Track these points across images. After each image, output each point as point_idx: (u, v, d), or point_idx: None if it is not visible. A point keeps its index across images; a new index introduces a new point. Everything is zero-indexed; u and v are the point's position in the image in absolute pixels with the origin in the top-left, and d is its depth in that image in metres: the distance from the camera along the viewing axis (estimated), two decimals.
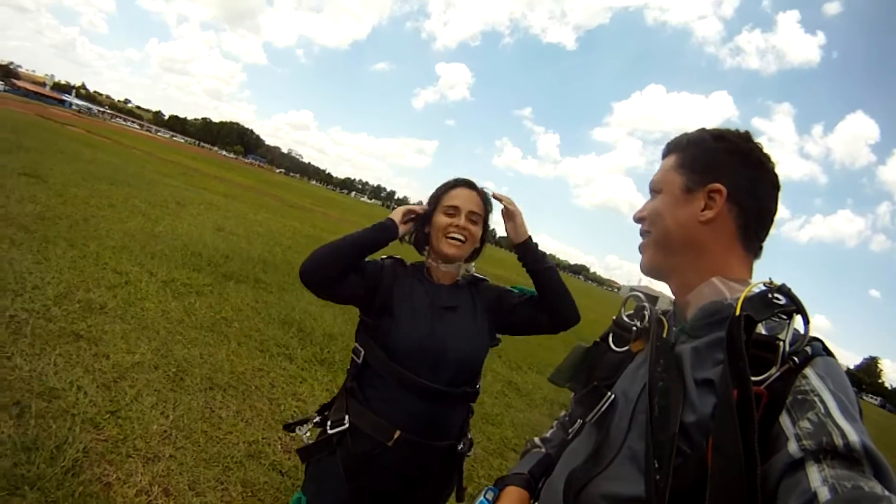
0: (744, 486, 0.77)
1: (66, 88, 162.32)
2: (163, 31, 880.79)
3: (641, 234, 1.23)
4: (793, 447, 0.79)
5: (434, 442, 1.74)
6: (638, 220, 1.24)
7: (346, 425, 1.72)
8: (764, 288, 0.98)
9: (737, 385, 0.85)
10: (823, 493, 0.72)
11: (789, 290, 0.96)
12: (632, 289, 1.42)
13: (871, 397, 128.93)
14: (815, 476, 0.74)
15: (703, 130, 1.17)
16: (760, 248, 1.13)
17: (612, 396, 1.14)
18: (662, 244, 1.15)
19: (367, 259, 1.82)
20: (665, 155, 1.23)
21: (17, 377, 3.21)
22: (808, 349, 0.91)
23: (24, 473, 2.44)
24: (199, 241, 8.91)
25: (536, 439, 1.47)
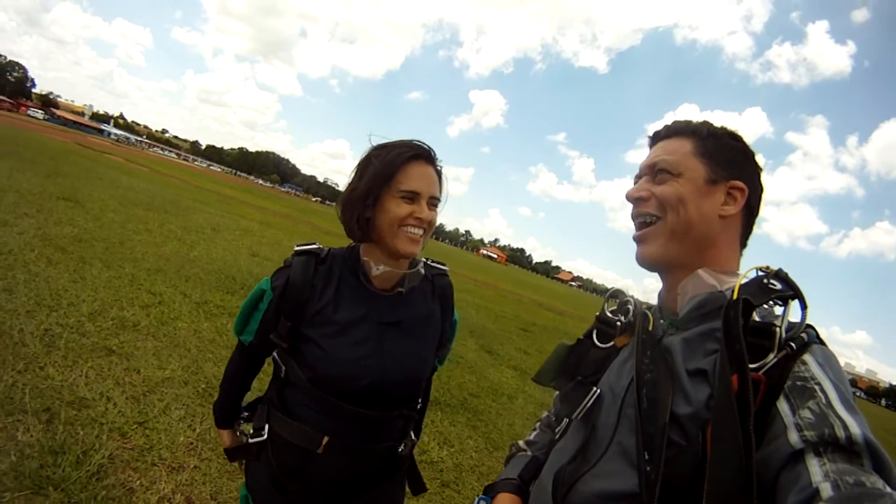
0: (743, 474, 0.77)
1: (104, 118, 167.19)
2: (198, 63, 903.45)
3: (639, 216, 1.14)
4: (793, 437, 0.79)
5: (370, 445, 1.51)
6: (636, 199, 1.15)
7: (265, 436, 1.51)
8: (760, 273, 0.98)
9: (735, 370, 0.85)
10: (826, 490, 0.71)
11: (786, 275, 0.96)
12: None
13: None
14: (817, 470, 0.74)
15: (711, 124, 1.14)
16: (746, 244, 1.13)
17: (598, 391, 1.12)
18: (680, 234, 1.07)
19: (272, 282, 1.50)
20: (666, 136, 1.16)
21: (48, 386, 3.28)
22: (804, 336, 0.90)
23: (50, 475, 2.48)
24: (233, 266, 9.02)
25: (521, 443, 1.43)
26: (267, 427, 1.51)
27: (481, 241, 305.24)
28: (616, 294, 1.34)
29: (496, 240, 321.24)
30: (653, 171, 1.14)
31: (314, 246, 1.53)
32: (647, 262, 1.14)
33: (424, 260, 1.64)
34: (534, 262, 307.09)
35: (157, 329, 4.92)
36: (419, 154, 1.45)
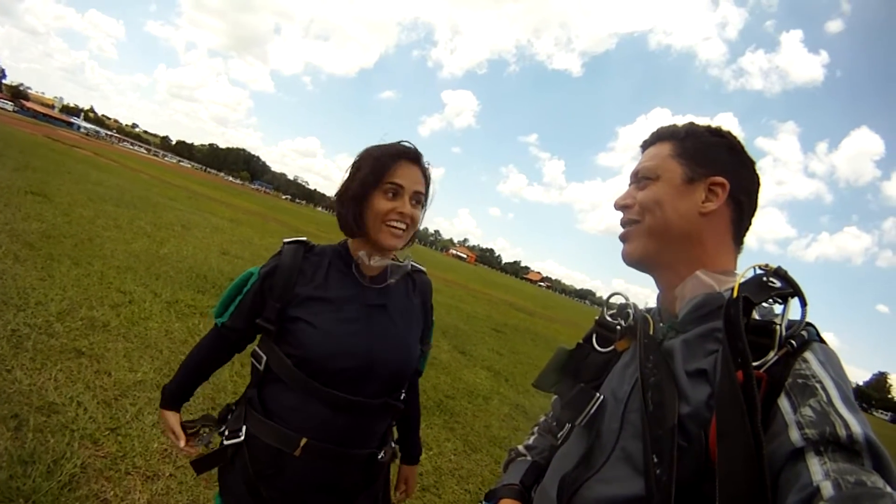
0: (755, 469, 0.76)
1: (74, 111, 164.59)
2: (171, 57, 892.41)
3: (626, 223, 1.19)
4: (794, 435, 0.79)
5: (350, 449, 1.51)
6: (621, 207, 1.20)
7: (242, 437, 1.50)
8: (760, 271, 0.98)
9: (739, 367, 0.84)
10: (826, 489, 0.71)
11: (786, 272, 0.96)
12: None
13: (882, 413, 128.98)
14: (817, 469, 0.74)
15: (695, 124, 1.17)
16: (743, 242, 1.15)
17: (601, 397, 1.12)
18: (658, 234, 1.11)
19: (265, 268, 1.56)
20: (651, 143, 1.21)
21: (16, 390, 3.17)
22: (805, 333, 0.91)
23: (20, 486, 2.39)
24: (203, 264, 8.87)
25: (520, 447, 1.43)
26: (244, 428, 1.51)
27: (451, 240, 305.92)
28: (612, 304, 1.34)
29: (465, 240, 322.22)
30: (637, 179, 1.19)
31: (303, 238, 1.62)
32: (629, 260, 1.18)
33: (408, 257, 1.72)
34: (503, 262, 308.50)
35: (127, 329, 4.81)
36: (405, 154, 1.55)
